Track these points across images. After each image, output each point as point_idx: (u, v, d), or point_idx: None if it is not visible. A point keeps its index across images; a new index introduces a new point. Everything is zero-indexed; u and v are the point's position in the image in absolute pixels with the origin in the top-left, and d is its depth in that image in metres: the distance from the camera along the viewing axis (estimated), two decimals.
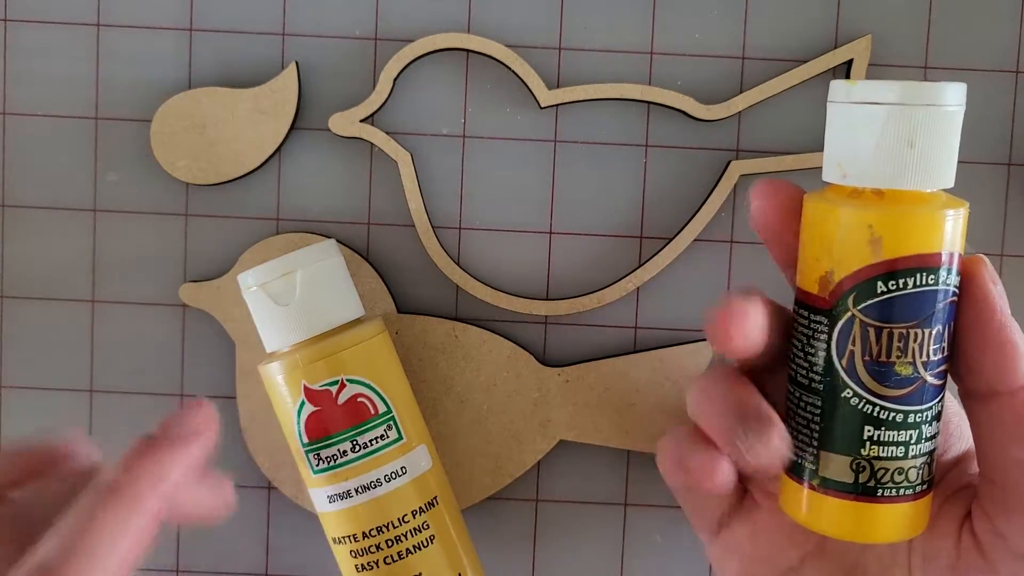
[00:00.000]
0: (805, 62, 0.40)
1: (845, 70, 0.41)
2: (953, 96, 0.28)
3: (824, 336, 0.30)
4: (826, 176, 0.30)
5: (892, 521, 0.30)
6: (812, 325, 0.30)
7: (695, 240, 0.41)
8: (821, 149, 0.41)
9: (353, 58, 0.41)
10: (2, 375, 0.43)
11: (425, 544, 0.38)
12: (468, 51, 0.41)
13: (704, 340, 0.41)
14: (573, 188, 0.42)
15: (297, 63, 0.41)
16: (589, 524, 0.43)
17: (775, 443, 0.30)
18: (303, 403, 0.37)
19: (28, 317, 0.42)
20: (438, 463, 0.39)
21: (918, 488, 0.30)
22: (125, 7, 0.41)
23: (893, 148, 0.28)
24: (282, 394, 0.37)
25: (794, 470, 0.32)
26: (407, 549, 0.37)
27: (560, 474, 0.43)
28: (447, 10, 0.41)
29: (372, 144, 0.41)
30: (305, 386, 0.37)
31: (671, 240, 0.41)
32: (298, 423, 0.37)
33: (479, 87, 0.41)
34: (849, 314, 0.29)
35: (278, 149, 0.41)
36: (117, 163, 0.42)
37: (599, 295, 0.41)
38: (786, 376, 0.32)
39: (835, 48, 0.40)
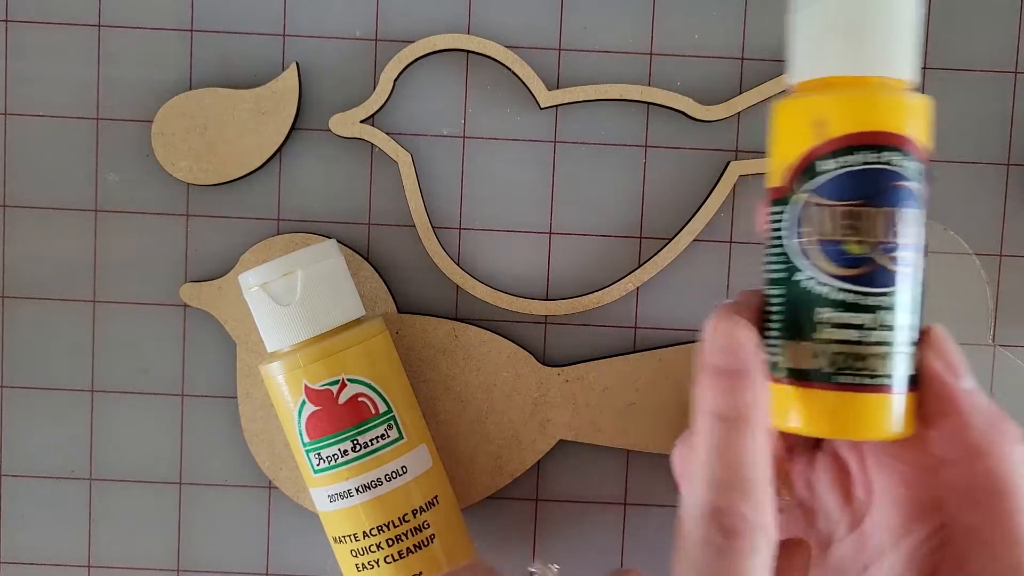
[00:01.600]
0: None
1: None
2: None
3: (782, 224, 0.30)
4: (787, 80, 0.31)
5: (857, 414, 0.30)
6: (775, 217, 0.31)
7: (694, 240, 0.41)
8: None
9: (353, 59, 0.41)
10: (2, 375, 0.43)
11: (425, 543, 0.38)
12: (468, 52, 0.41)
13: None
14: (573, 188, 0.42)
15: (298, 64, 0.41)
16: (589, 524, 0.43)
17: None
18: (304, 403, 0.37)
19: (29, 317, 0.42)
20: (438, 463, 0.39)
21: (885, 380, 0.30)
22: (126, 7, 0.41)
23: (837, 37, 0.30)
24: (283, 394, 0.37)
25: (772, 370, 0.31)
26: (408, 548, 0.37)
27: (560, 474, 0.43)
28: (447, 11, 0.41)
29: (372, 144, 0.41)
30: (306, 386, 0.37)
31: (670, 240, 0.41)
32: (299, 423, 0.37)
33: (479, 88, 0.41)
34: (801, 196, 0.30)
35: (279, 149, 0.41)
36: (118, 163, 0.42)
37: (599, 295, 0.41)
38: None
39: None
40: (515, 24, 0.41)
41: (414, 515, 0.38)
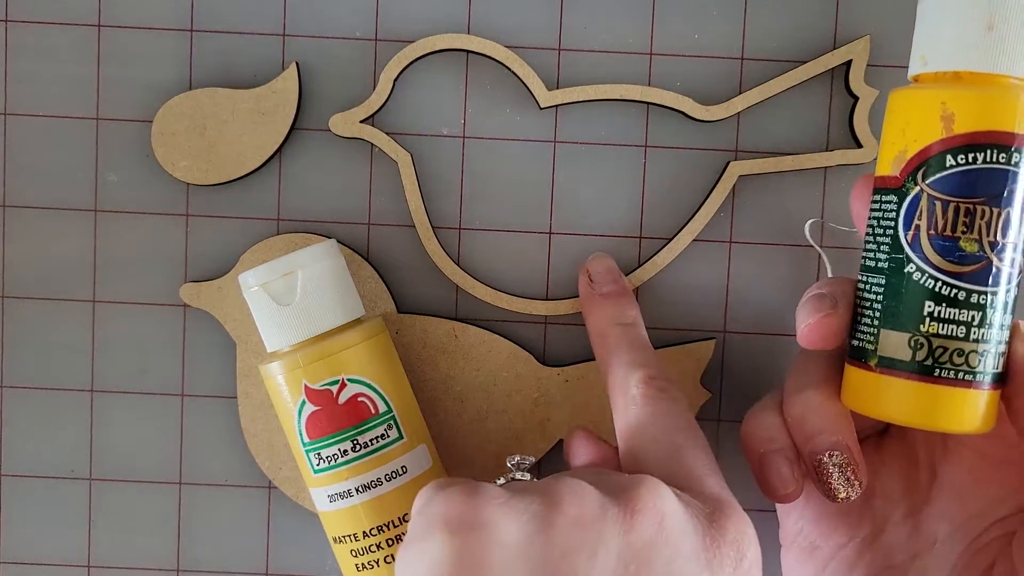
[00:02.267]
0: (804, 63, 0.41)
1: (844, 71, 0.41)
2: None
3: (892, 214, 0.31)
4: (910, 71, 0.31)
5: (949, 406, 0.30)
6: (883, 206, 0.31)
7: (693, 240, 0.41)
8: (821, 149, 0.42)
9: (353, 59, 0.41)
10: (2, 375, 0.43)
11: None
12: (468, 52, 0.41)
13: (703, 340, 0.42)
14: (573, 188, 0.42)
15: (298, 64, 0.41)
16: None
17: (856, 482, 0.33)
18: (304, 403, 0.37)
19: (29, 317, 0.42)
20: (438, 463, 0.39)
21: (979, 377, 0.30)
22: (125, 7, 0.41)
23: (972, 31, 0.29)
24: (283, 394, 0.37)
25: (854, 354, 0.32)
26: None
27: None
28: (447, 11, 0.41)
29: (372, 144, 0.41)
30: (306, 386, 0.37)
31: (671, 240, 0.41)
32: (299, 423, 0.37)
33: (479, 88, 0.41)
34: (917, 189, 0.30)
35: (279, 149, 0.41)
36: (118, 163, 0.42)
37: None
38: None
39: (834, 49, 0.41)
40: (515, 24, 0.41)
41: None
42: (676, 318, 0.42)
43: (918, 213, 0.30)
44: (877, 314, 0.31)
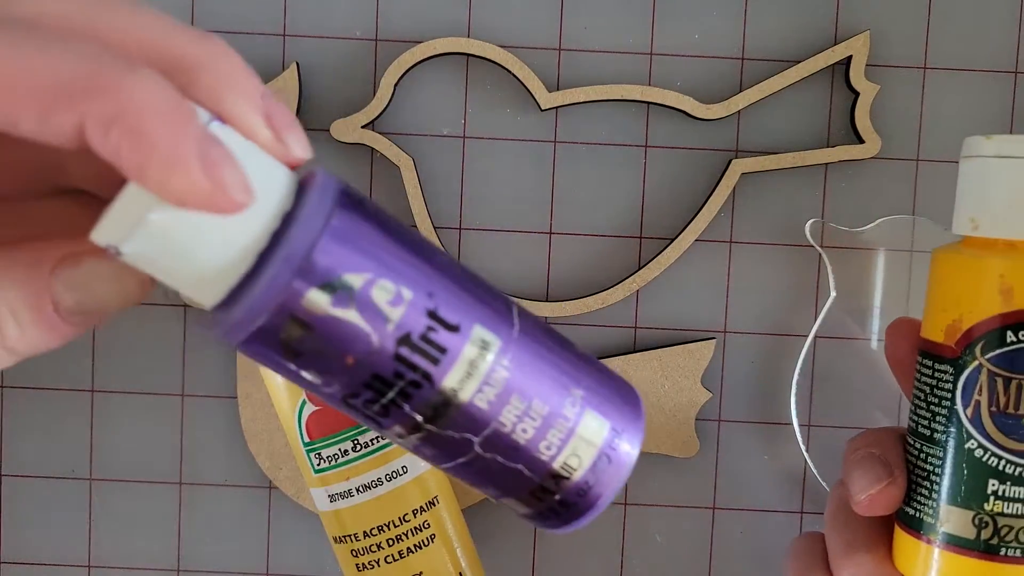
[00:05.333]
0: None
1: (844, 68, 0.41)
2: None
3: (948, 386, 0.29)
4: (956, 229, 0.30)
5: None
6: (936, 375, 0.30)
7: (694, 240, 0.41)
8: (821, 146, 0.41)
9: (354, 59, 0.41)
10: (2, 375, 0.43)
11: (426, 543, 0.38)
12: (468, 55, 0.41)
13: (703, 340, 0.42)
14: (573, 189, 0.42)
15: (298, 64, 0.41)
16: (589, 523, 0.43)
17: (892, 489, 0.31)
18: (304, 403, 0.37)
19: None
20: None
21: None
22: None
23: None
24: (283, 394, 0.37)
25: (911, 523, 0.31)
26: (408, 548, 0.37)
27: None
28: (447, 10, 0.41)
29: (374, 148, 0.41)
30: None
31: (674, 239, 0.41)
32: (299, 423, 0.37)
33: (479, 88, 0.41)
34: (976, 363, 0.29)
35: None
36: None
37: (603, 295, 0.41)
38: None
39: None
40: (515, 24, 0.41)
41: (414, 515, 0.38)
42: (676, 318, 0.42)
43: (977, 388, 0.29)
44: (937, 487, 0.30)
